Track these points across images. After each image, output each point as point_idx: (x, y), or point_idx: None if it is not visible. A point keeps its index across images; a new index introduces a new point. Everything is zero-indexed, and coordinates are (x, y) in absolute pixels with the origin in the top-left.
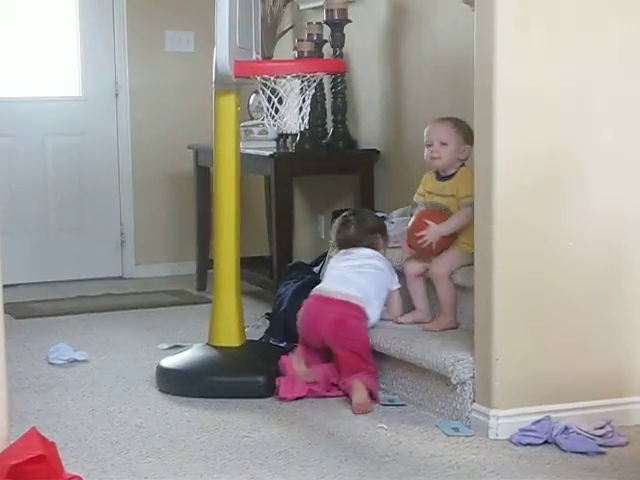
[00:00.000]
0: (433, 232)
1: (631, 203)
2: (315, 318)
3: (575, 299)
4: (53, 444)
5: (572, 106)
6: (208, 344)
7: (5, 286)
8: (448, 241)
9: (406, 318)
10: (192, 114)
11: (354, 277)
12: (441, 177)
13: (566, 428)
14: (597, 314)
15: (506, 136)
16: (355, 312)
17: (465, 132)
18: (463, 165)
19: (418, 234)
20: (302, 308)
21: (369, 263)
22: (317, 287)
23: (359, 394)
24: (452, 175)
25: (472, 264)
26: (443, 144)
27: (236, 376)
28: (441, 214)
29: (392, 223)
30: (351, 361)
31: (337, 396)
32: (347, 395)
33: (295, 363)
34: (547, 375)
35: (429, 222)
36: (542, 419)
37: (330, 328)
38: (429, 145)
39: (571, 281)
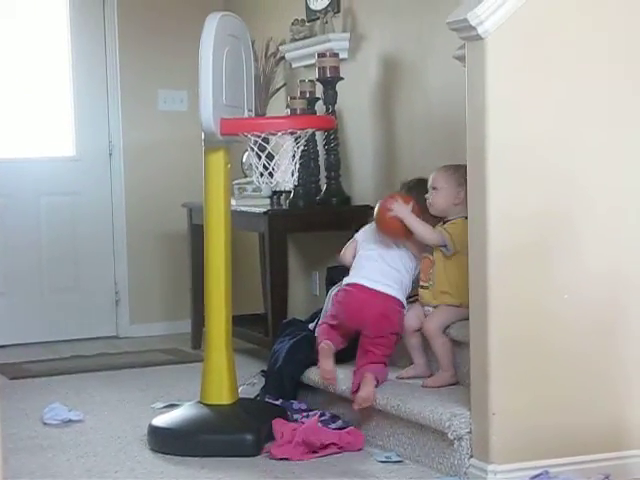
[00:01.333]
0: (400, 208)
1: (625, 259)
2: (362, 307)
3: (571, 353)
4: None
5: (565, 163)
6: (200, 402)
7: None
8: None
9: (406, 373)
10: (186, 172)
11: (393, 272)
12: (444, 222)
13: None
14: (593, 368)
15: (499, 193)
16: (398, 307)
17: (461, 175)
18: (466, 217)
19: (388, 205)
20: (343, 293)
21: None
22: (358, 277)
23: (367, 388)
24: (450, 221)
25: (466, 319)
26: (434, 189)
27: (224, 434)
28: (407, 198)
29: None
30: (378, 353)
31: (328, 455)
32: (354, 381)
33: (325, 355)
34: (544, 429)
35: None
36: (540, 474)
37: (374, 320)
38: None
39: (567, 335)
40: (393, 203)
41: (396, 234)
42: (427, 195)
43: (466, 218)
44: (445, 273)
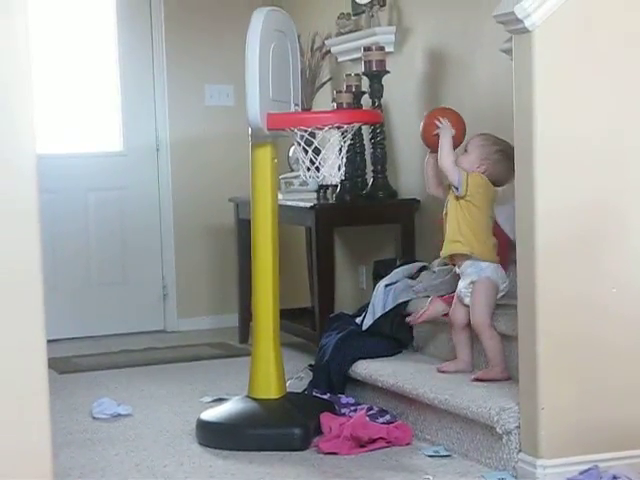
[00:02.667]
0: (444, 129)
1: None
2: None
3: (620, 346)
4: None
5: (612, 154)
6: (248, 396)
7: (49, 341)
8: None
9: (447, 366)
10: (233, 167)
11: None
12: None
13: (614, 477)
14: None
15: (547, 184)
16: None
17: (492, 151)
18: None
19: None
20: None
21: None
22: None
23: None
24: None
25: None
26: (465, 151)
27: (272, 428)
28: (448, 112)
29: (434, 272)
30: None
31: (376, 449)
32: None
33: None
34: (594, 423)
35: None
36: (590, 468)
37: None
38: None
39: (616, 328)
40: (441, 121)
41: (434, 149)
42: (460, 151)
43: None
44: (457, 222)
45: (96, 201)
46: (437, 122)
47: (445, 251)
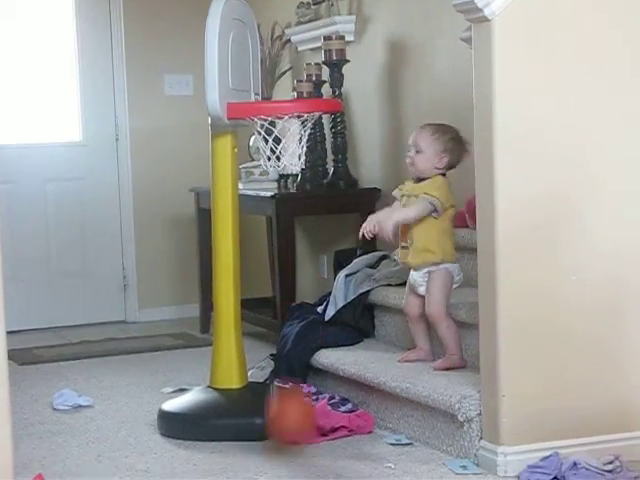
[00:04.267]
0: (385, 221)
1: (632, 237)
2: None
3: (580, 334)
4: None
5: (571, 145)
6: (209, 387)
7: (8, 332)
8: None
9: (408, 356)
10: (193, 157)
11: None
12: (418, 180)
13: (575, 464)
14: (602, 349)
15: (507, 175)
16: None
17: (445, 141)
18: (443, 175)
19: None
20: None
21: None
22: None
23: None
24: (426, 179)
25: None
26: (418, 151)
27: (233, 418)
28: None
29: (394, 261)
30: None
31: (338, 438)
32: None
33: None
34: (555, 411)
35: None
36: (550, 455)
37: None
38: (409, 150)
39: (575, 316)
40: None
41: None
42: (409, 154)
43: (442, 175)
44: (425, 230)
45: (55, 191)
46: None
47: (415, 260)
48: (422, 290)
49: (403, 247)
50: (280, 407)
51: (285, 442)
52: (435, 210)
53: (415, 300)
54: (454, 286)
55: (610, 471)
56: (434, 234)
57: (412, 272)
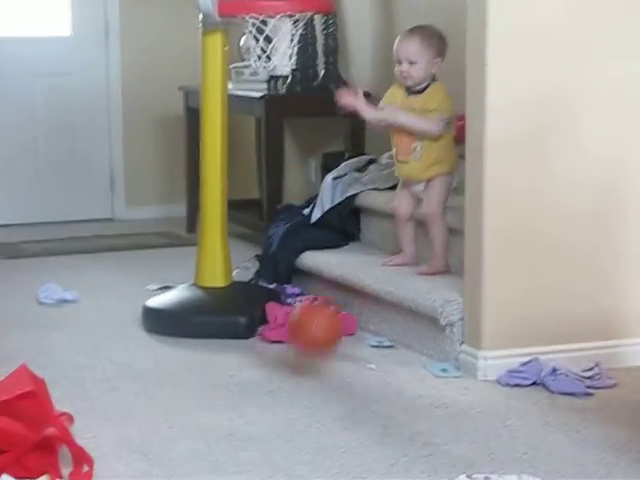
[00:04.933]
0: (392, 112)
1: (626, 145)
2: None
3: (565, 243)
4: (43, 381)
5: (565, 48)
6: (193, 285)
7: None
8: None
9: (393, 260)
10: (183, 55)
11: None
12: (411, 92)
13: (554, 370)
14: (586, 257)
15: (499, 79)
16: None
17: (435, 45)
18: (434, 80)
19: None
20: None
21: None
22: None
23: None
24: (422, 90)
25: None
26: (412, 63)
27: (217, 316)
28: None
29: (382, 165)
30: None
31: None
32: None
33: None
34: (536, 317)
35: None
36: (530, 360)
37: None
38: (399, 62)
39: (562, 225)
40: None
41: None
42: (401, 67)
43: (433, 80)
44: (437, 143)
45: (44, 86)
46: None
47: (423, 175)
48: (418, 189)
49: (401, 161)
50: (307, 319)
51: (309, 353)
52: (449, 124)
53: (408, 199)
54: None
55: (589, 377)
56: (445, 145)
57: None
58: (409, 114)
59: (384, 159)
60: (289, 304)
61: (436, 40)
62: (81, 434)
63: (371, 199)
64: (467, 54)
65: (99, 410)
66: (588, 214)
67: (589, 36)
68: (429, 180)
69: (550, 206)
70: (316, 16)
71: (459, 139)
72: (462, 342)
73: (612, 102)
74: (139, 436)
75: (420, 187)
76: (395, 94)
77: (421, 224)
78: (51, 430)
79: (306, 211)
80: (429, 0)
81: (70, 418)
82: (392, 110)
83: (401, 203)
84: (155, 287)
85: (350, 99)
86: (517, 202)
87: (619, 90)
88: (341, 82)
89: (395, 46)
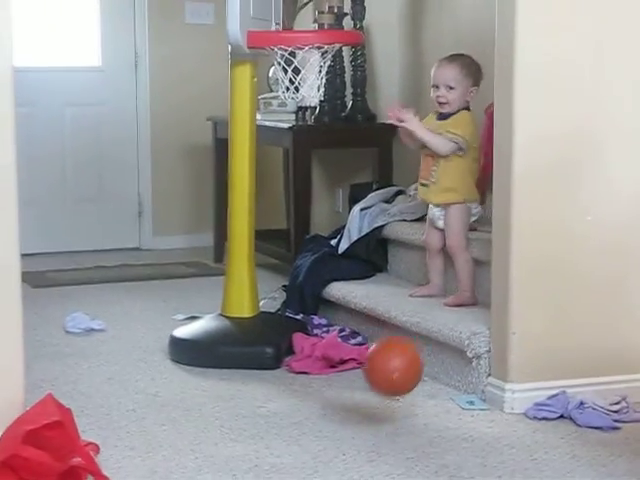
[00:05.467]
0: (412, 121)
1: None
2: None
3: (592, 275)
4: (69, 410)
5: (593, 83)
6: (220, 315)
7: (23, 255)
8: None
9: (420, 291)
10: (212, 86)
11: None
12: (441, 116)
13: (581, 403)
14: (613, 290)
15: (526, 112)
16: None
17: (473, 73)
18: (467, 108)
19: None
20: None
21: None
22: None
23: None
24: (451, 115)
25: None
26: (451, 88)
27: (244, 346)
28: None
29: (409, 196)
30: None
31: (347, 370)
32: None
33: None
34: (563, 350)
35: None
36: (558, 394)
37: None
38: (436, 87)
39: (588, 257)
40: (405, 114)
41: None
42: (439, 92)
43: (465, 109)
44: (451, 169)
45: (73, 116)
46: (402, 117)
47: (437, 199)
48: (441, 224)
49: (423, 184)
50: (386, 354)
51: (380, 388)
52: (460, 149)
53: (435, 233)
54: (472, 219)
55: (616, 411)
56: (458, 173)
57: (431, 206)
58: (428, 131)
59: (412, 190)
60: (316, 335)
61: (474, 70)
62: (107, 464)
63: (398, 230)
64: (495, 87)
65: (125, 440)
66: (614, 247)
67: (615, 72)
68: (445, 207)
69: (577, 238)
70: (344, 48)
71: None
72: (489, 374)
73: (637, 137)
74: (165, 467)
75: (436, 214)
76: (428, 120)
77: (449, 255)
78: (77, 460)
79: (333, 242)
80: (457, 34)
81: (96, 448)
82: (417, 123)
83: (429, 237)
84: (182, 317)
85: (401, 112)
86: (544, 234)
87: None
88: (369, 114)
89: (434, 71)
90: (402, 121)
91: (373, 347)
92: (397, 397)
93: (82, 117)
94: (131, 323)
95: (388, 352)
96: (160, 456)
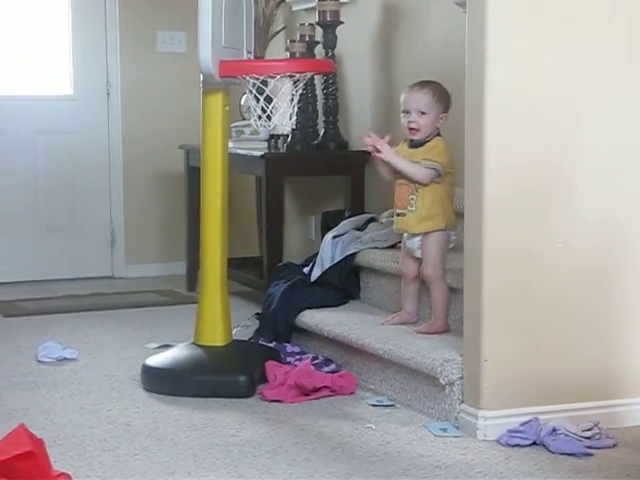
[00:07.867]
0: (386, 151)
1: (619, 206)
2: None
3: (563, 301)
4: (41, 441)
5: (563, 112)
6: (193, 343)
7: None
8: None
9: (393, 319)
10: (184, 114)
11: None
12: (412, 144)
13: (554, 429)
14: (585, 316)
15: (497, 140)
16: None
17: (444, 100)
18: (438, 135)
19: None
20: None
21: None
22: None
23: None
24: (424, 143)
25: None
26: (423, 113)
27: (217, 375)
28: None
29: (381, 224)
30: None
31: (320, 397)
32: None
33: None
34: (535, 376)
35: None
36: (530, 420)
37: None
38: (407, 112)
39: (559, 284)
40: (381, 145)
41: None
42: (410, 118)
43: (438, 135)
44: (430, 196)
45: (45, 144)
46: (370, 147)
47: (418, 228)
48: (419, 253)
49: (399, 214)
50: None
51: None
52: (438, 175)
53: (411, 261)
54: (450, 245)
55: (589, 438)
56: (438, 200)
57: (407, 236)
58: (404, 159)
59: (384, 218)
60: (289, 363)
61: (445, 96)
62: None
63: (371, 258)
64: (466, 115)
65: (97, 470)
66: (585, 274)
67: (585, 105)
68: (425, 235)
69: (548, 266)
70: (316, 76)
71: None
72: (462, 401)
73: (606, 168)
74: None
75: (415, 244)
76: (400, 149)
77: (425, 283)
78: None
79: (306, 269)
80: (428, 62)
81: (68, 478)
82: (393, 153)
83: (405, 265)
84: (155, 345)
85: (375, 139)
86: (515, 261)
87: (613, 157)
88: (341, 142)
89: (404, 97)
90: (379, 152)
91: None
92: None
93: (54, 145)
94: (104, 352)
95: None
96: None
